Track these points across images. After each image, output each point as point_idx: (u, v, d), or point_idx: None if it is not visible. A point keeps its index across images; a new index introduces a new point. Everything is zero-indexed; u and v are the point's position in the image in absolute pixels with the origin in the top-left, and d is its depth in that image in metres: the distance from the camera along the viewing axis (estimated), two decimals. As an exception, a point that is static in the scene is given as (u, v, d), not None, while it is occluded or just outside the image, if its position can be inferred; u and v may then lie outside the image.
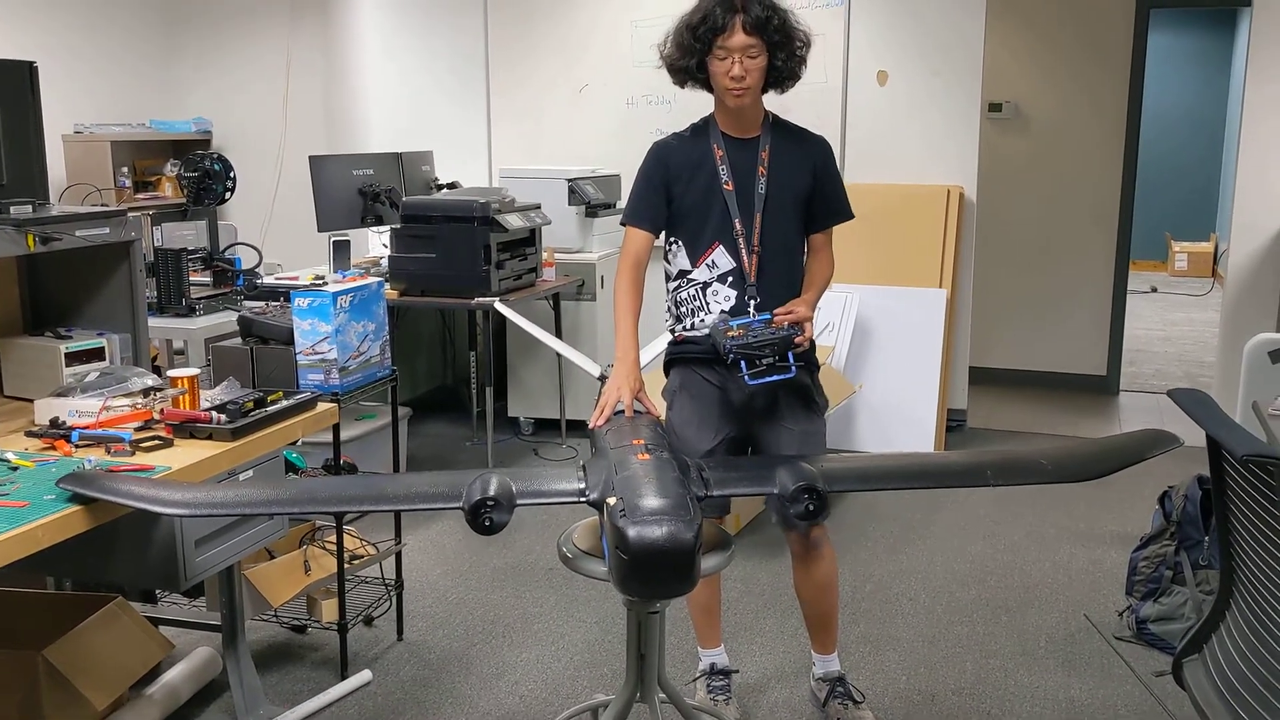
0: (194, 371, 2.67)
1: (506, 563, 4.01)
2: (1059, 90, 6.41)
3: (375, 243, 5.41)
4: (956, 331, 5.49)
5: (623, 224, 2.74)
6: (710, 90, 2.67)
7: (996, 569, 3.96)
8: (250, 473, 2.56)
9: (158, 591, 3.22)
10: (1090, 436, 5.55)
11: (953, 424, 5.57)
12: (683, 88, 2.70)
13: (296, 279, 4.65)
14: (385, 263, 4.89)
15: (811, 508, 2.08)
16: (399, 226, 4.71)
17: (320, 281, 4.34)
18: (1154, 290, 10.38)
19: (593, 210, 5.40)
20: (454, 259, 4.56)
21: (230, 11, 6.48)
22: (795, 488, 2.08)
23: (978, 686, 3.14)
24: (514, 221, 4.66)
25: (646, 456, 2.14)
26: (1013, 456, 2.34)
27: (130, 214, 2.96)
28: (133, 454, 2.38)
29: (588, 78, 5.97)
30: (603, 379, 2.95)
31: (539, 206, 4.94)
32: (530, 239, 4.91)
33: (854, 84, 5.54)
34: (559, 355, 5.16)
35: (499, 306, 3.86)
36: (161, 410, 2.57)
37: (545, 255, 5.09)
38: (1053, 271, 6.52)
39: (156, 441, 2.44)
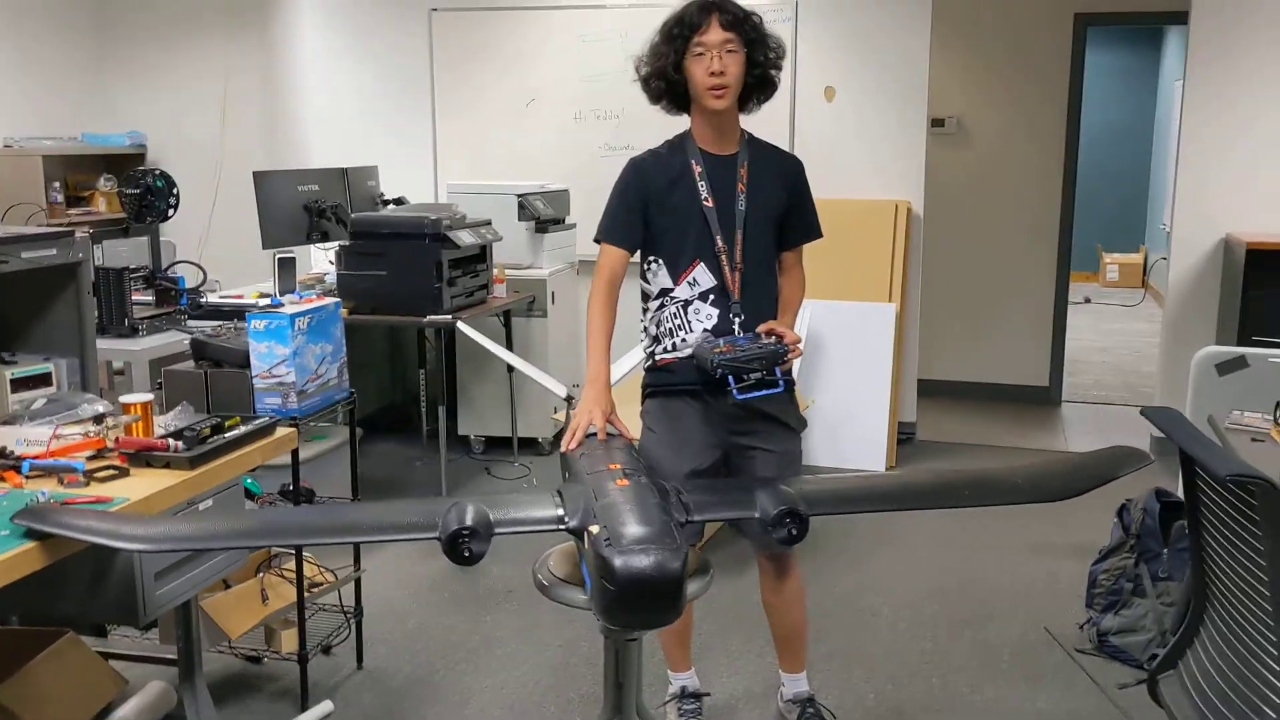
0: (147, 397, 2.58)
1: (465, 586, 3.94)
2: (1000, 106, 6.51)
3: (319, 259, 5.31)
4: (906, 345, 5.53)
5: (597, 241, 2.67)
6: (685, 110, 2.64)
7: (956, 582, 3.98)
8: (210, 502, 2.47)
9: (108, 625, 3.11)
10: (1037, 448, 5.64)
11: (903, 436, 5.61)
12: (657, 103, 2.64)
13: (241, 297, 4.55)
14: (330, 279, 4.80)
15: (794, 532, 2.06)
16: (347, 243, 4.62)
17: (266, 300, 4.24)
18: (1087, 300, 10.57)
19: (543, 226, 5.36)
20: (405, 276, 4.49)
21: (166, 21, 6.30)
22: (777, 512, 2.05)
23: (945, 702, 3.14)
24: (466, 238, 4.60)
25: (625, 482, 2.10)
26: (988, 476, 2.34)
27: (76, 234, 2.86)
28: (87, 484, 2.28)
29: (535, 92, 5.93)
30: (569, 399, 2.90)
31: (489, 222, 4.88)
32: (481, 255, 4.85)
33: (801, 100, 5.57)
34: (510, 372, 5.11)
35: (462, 327, 3.79)
36: (116, 439, 2.48)
37: (495, 271, 5.03)
38: (995, 283, 6.61)
39: (111, 471, 2.34)
